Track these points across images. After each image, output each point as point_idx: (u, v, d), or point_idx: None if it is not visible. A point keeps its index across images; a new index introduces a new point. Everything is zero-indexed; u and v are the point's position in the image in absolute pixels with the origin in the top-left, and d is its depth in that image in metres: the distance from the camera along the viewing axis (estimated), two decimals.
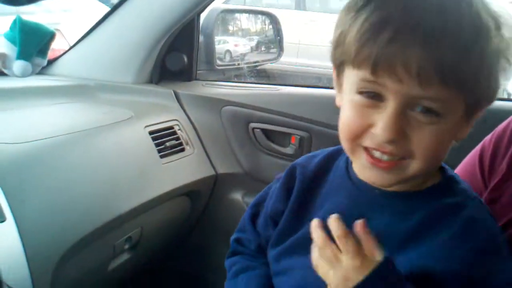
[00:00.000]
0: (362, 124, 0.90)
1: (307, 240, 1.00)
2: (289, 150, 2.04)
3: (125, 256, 1.69)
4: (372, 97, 0.89)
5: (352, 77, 0.92)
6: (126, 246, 1.67)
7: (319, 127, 1.98)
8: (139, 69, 2.15)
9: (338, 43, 0.93)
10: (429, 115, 0.87)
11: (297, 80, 6.75)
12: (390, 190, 0.98)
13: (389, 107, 0.87)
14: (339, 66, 0.96)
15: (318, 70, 7.21)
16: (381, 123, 0.87)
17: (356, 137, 0.92)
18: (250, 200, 2.06)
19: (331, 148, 1.16)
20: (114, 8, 2.11)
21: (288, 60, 6.83)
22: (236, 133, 2.10)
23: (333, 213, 0.99)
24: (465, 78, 0.85)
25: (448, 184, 0.99)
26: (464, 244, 0.91)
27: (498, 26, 0.87)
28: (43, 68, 2.14)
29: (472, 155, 1.23)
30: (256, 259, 1.23)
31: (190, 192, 1.98)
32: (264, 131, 2.07)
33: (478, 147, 1.21)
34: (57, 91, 1.98)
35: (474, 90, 0.88)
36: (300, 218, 1.09)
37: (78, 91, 2.04)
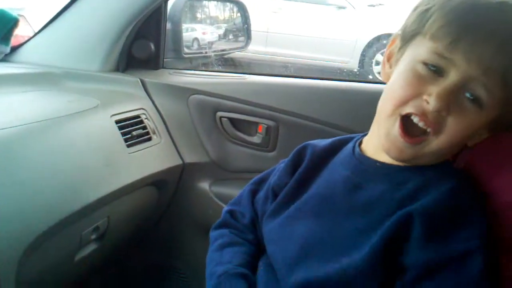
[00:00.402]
0: (415, 90, 0.99)
1: (306, 209, 1.13)
2: (256, 139, 2.04)
3: (92, 247, 1.68)
4: (434, 70, 0.98)
5: (421, 47, 1.00)
6: (93, 236, 1.66)
7: (286, 116, 1.99)
8: (105, 57, 2.12)
9: (421, 17, 1.02)
10: (474, 103, 0.96)
11: (264, 69, 6.75)
12: (389, 163, 1.07)
13: (449, 80, 0.96)
14: (409, 38, 1.05)
15: (285, 59, 7.23)
16: (436, 92, 0.95)
17: (403, 102, 1.00)
18: (218, 189, 2.08)
19: (341, 136, 1.26)
20: None
21: (256, 49, 6.82)
22: (203, 122, 2.10)
23: (332, 182, 1.13)
24: None
25: (443, 163, 1.07)
26: (449, 199, 0.99)
27: None
28: (6, 55, 2.11)
29: None
30: (245, 234, 1.28)
31: (157, 182, 1.97)
32: (231, 120, 2.07)
33: None
34: (21, 79, 1.94)
35: None
36: (301, 190, 1.18)
37: (43, 79, 2.01)
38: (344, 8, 8.44)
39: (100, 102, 1.84)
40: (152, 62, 2.24)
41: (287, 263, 1.10)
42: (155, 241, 2.26)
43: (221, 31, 4.56)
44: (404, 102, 1.00)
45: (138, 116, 1.95)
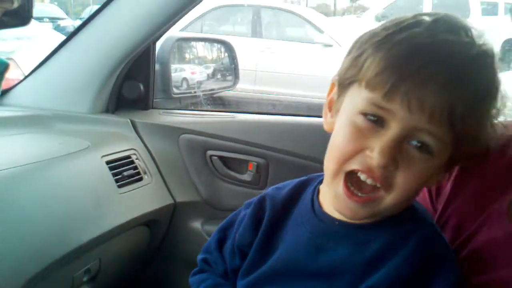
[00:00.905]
0: (357, 146, 0.92)
1: (273, 274, 1.06)
2: (246, 176, 2.05)
3: None
4: (374, 121, 0.92)
5: (359, 97, 0.94)
6: (85, 278, 1.64)
7: (275, 153, 2.01)
8: (95, 98, 2.14)
9: (355, 63, 0.95)
10: (423, 151, 0.90)
11: (253, 107, 6.80)
12: (350, 222, 1.00)
13: (391, 132, 0.89)
14: (345, 86, 0.99)
15: (273, 97, 7.29)
16: (379, 146, 0.89)
17: (346, 159, 0.93)
18: (210, 228, 2.07)
19: (298, 179, 1.18)
20: (70, 37, 2.10)
21: (245, 87, 6.88)
22: (194, 161, 2.11)
23: (294, 245, 1.05)
24: (469, 126, 0.90)
25: (406, 212, 1.00)
26: (414, 263, 0.94)
27: (500, 90, 0.95)
28: None
29: None
30: (224, 279, 1.23)
31: (149, 222, 1.97)
32: (221, 158, 2.08)
33: None
34: (12, 122, 1.95)
35: (469, 138, 0.93)
36: (268, 250, 1.11)
37: (33, 121, 2.02)
38: (330, 46, 8.59)
39: (91, 144, 1.85)
40: (142, 103, 2.26)
41: None
42: (148, 281, 2.23)
43: (210, 71, 4.60)
44: (347, 159, 0.94)
45: (129, 157, 1.96)
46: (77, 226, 1.56)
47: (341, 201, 0.96)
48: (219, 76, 4.40)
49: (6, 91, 2.16)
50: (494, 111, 0.95)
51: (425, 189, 1.20)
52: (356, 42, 0.99)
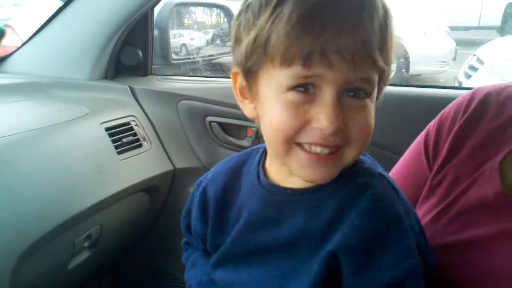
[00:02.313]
0: (299, 120, 0.87)
1: (234, 253, 1.05)
2: (246, 142, 2.06)
3: (85, 254, 1.69)
4: (305, 91, 0.86)
5: (278, 77, 0.88)
6: (86, 244, 1.67)
7: None
8: (94, 65, 2.14)
9: (256, 47, 0.89)
10: (361, 98, 0.88)
11: None
12: (303, 187, 0.97)
13: (327, 97, 0.85)
14: (254, 73, 0.93)
15: None
16: (323, 115, 0.85)
17: (292, 136, 0.89)
18: None
19: (238, 154, 1.15)
20: (67, 3, 2.09)
21: None
22: (193, 127, 2.11)
23: (249, 222, 1.02)
24: (387, 58, 0.88)
25: (354, 166, 0.96)
26: (369, 220, 0.90)
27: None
28: None
29: (417, 140, 1.27)
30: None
31: (149, 188, 1.98)
32: (221, 124, 2.09)
33: (423, 133, 1.26)
34: (10, 89, 1.95)
35: (388, 70, 0.90)
36: (221, 230, 1.10)
37: (32, 88, 2.02)
38: None
39: (90, 110, 1.85)
40: (141, 69, 2.26)
41: None
42: (148, 247, 2.26)
43: (209, 36, 4.58)
44: (293, 135, 0.88)
45: (128, 123, 1.96)
46: (78, 193, 1.57)
47: (311, 169, 0.90)
48: (218, 41, 4.37)
49: (3, 58, 2.16)
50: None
51: (422, 152, 1.22)
52: (239, 26, 0.93)
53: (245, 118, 2.06)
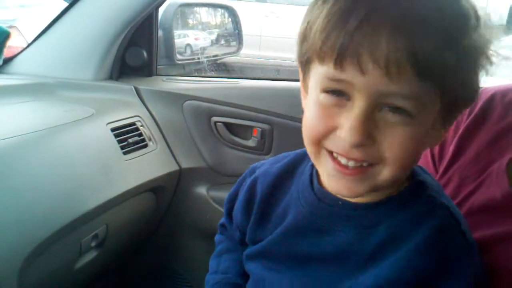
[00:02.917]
0: (327, 124, 0.83)
1: (267, 251, 1.03)
2: (251, 142, 2.06)
3: (92, 254, 1.69)
4: (338, 95, 0.81)
5: (317, 74, 0.84)
6: (93, 244, 1.67)
7: (280, 119, 2.01)
8: (99, 66, 2.14)
9: (304, 37, 0.84)
10: (401, 114, 0.78)
11: (257, 73, 6.76)
12: (353, 202, 0.92)
13: (356, 107, 0.78)
14: (306, 64, 0.88)
15: (277, 62, 7.24)
16: (347, 124, 0.79)
17: (319, 140, 0.85)
18: (215, 193, 2.09)
19: (295, 152, 1.10)
20: (72, 3, 2.09)
21: (250, 53, 6.84)
22: (199, 127, 2.12)
23: (294, 226, 0.99)
24: (442, 72, 0.76)
25: (416, 190, 0.92)
26: (427, 256, 0.86)
27: (477, 17, 0.80)
28: (0, 67, 2.12)
29: None
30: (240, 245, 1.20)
31: (154, 188, 1.99)
32: (226, 124, 2.09)
33: None
34: (16, 90, 1.96)
35: (452, 87, 0.80)
36: (263, 226, 1.06)
37: (38, 89, 2.02)
38: None
39: (95, 111, 1.86)
40: (146, 69, 2.26)
41: None
42: (154, 246, 2.27)
43: (214, 36, 4.57)
44: (321, 139, 0.85)
45: (133, 124, 1.96)
46: (84, 193, 1.58)
47: (336, 179, 0.86)
48: (223, 41, 4.37)
49: (9, 59, 2.16)
50: (483, 40, 0.81)
51: (428, 153, 1.21)
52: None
53: (250, 118, 2.08)
